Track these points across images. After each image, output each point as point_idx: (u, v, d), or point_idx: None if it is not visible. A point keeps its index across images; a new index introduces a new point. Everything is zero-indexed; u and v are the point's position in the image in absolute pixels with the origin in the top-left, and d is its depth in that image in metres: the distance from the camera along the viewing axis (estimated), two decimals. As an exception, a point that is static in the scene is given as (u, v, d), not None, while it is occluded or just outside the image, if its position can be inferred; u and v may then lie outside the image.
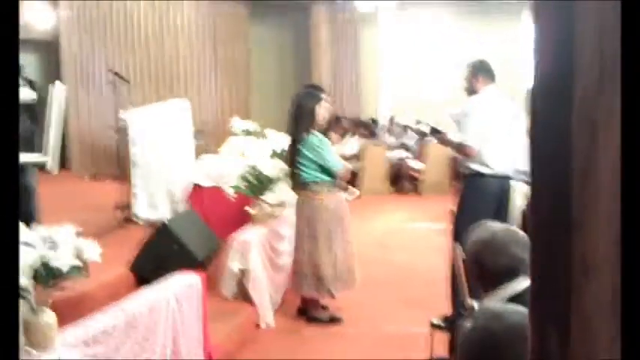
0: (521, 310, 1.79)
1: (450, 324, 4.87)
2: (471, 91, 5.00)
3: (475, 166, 4.89)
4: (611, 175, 0.87)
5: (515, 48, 12.03)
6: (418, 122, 11.87)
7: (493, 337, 1.73)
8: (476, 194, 4.88)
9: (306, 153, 5.11)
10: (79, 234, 2.87)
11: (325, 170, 5.15)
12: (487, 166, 4.85)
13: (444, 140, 5.44)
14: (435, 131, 5.67)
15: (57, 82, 11.65)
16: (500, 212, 4.85)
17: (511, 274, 2.50)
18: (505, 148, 4.87)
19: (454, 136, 5.17)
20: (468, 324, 1.84)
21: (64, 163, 11.80)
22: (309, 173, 5.14)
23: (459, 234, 4.85)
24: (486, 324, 1.78)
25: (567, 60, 0.89)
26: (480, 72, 4.97)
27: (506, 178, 4.94)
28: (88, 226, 5.29)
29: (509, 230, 2.68)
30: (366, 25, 14.00)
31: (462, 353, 1.83)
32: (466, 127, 4.89)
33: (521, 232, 2.67)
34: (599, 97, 0.87)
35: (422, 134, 5.79)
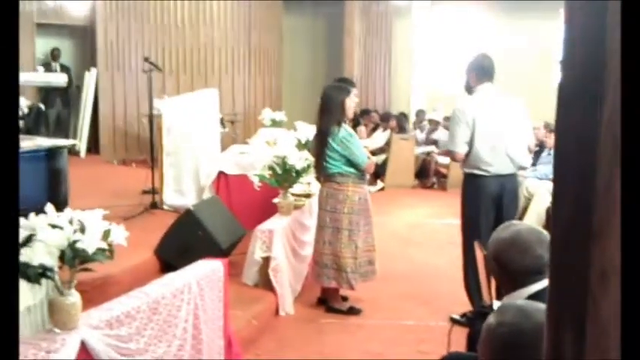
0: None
1: (468, 320, 4.91)
2: (467, 87, 5.00)
3: (468, 170, 4.92)
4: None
5: (549, 46, 11.95)
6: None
7: (521, 334, 1.74)
8: (473, 194, 4.91)
9: (335, 146, 5.13)
10: (106, 217, 2.94)
11: (351, 163, 5.18)
12: (480, 168, 4.84)
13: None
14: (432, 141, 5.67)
15: (92, 69, 11.80)
16: (503, 211, 4.86)
17: (534, 274, 2.49)
18: (501, 148, 4.82)
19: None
20: (493, 319, 1.85)
21: (94, 147, 12.00)
22: (335, 165, 5.17)
23: (463, 233, 4.94)
24: (514, 320, 1.78)
25: (598, 63, 0.87)
26: (474, 69, 4.94)
27: (507, 177, 4.91)
28: (116, 210, 5.47)
29: (534, 230, 2.66)
30: (399, 18, 13.98)
31: (485, 347, 1.84)
32: (452, 133, 4.91)
33: (545, 232, 2.64)
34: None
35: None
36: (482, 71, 4.90)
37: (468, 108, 4.84)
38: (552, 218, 1.00)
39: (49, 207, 2.81)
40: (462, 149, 4.82)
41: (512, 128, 4.88)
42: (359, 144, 5.29)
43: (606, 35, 0.86)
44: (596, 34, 0.88)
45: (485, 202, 4.85)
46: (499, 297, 2.72)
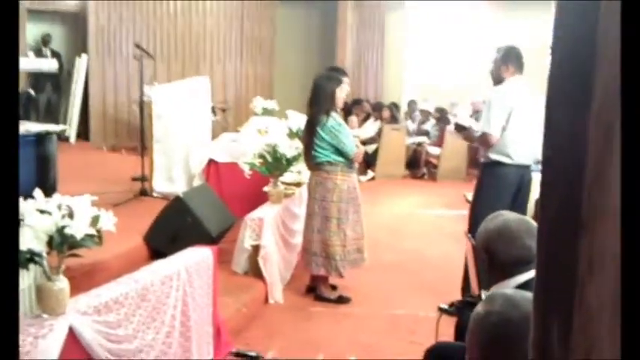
0: None
1: (457, 310, 4.90)
2: (497, 78, 4.94)
3: (494, 156, 4.88)
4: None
5: (544, 38, 11.95)
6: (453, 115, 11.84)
7: (509, 322, 1.73)
8: (493, 183, 4.87)
9: (323, 135, 5.14)
10: (95, 204, 2.93)
11: (340, 152, 5.18)
12: (507, 155, 4.85)
13: (468, 136, 5.41)
14: (460, 127, 5.64)
15: (83, 55, 11.73)
16: (518, 202, 4.84)
17: (522, 264, 2.48)
18: (526, 139, 4.83)
19: (475, 125, 5.18)
20: (481, 308, 1.84)
21: (84, 133, 11.95)
22: (324, 154, 5.17)
23: (474, 222, 4.87)
24: (502, 309, 1.78)
25: (588, 55, 0.86)
26: (510, 61, 4.90)
27: (526, 168, 4.92)
28: (105, 197, 5.45)
29: (523, 220, 2.65)
30: (392, 9, 13.95)
31: (473, 336, 1.83)
32: (488, 116, 4.89)
33: (534, 223, 2.61)
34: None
35: (460, 128, 5.71)
36: (517, 64, 4.91)
37: (507, 95, 4.84)
38: (540, 208, 1.00)
39: (38, 192, 2.79)
40: (497, 133, 4.81)
41: (539, 121, 4.91)
42: (348, 133, 5.29)
43: (597, 26, 0.86)
44: (586, 26, 0.87)
45: (505, 191, 4.83)
46: (487, 287, 2.71)
